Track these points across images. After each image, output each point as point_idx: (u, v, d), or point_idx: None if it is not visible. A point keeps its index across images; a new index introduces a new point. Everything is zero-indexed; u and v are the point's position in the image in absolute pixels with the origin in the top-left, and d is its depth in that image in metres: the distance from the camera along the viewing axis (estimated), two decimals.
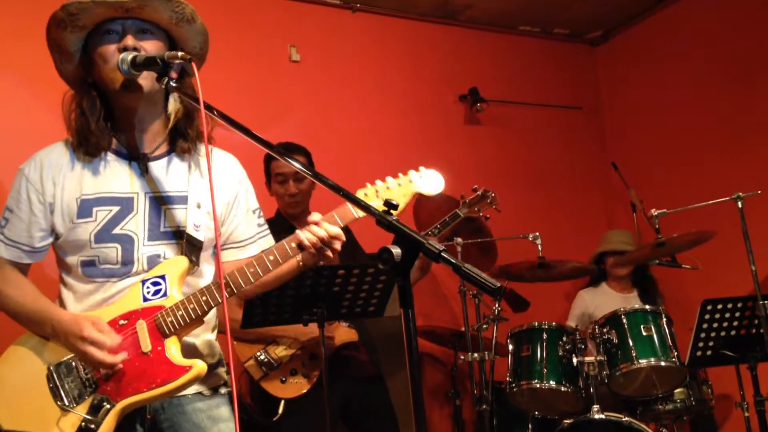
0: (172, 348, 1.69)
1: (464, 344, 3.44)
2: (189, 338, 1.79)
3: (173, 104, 1.77)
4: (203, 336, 1.85)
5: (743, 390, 3.39)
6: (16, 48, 3.49)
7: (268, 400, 2.88)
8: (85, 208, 1.74)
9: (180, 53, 1.59)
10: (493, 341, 3.44)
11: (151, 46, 1.70)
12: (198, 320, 1.72)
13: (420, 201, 3.70)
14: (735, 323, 3.20)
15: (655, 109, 4.97)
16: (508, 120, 4.94)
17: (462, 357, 3.41)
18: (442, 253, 1.26)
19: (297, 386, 2.89)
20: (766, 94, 4.33)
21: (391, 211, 1.35)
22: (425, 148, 4.58)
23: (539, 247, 3.50)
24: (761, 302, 3.00)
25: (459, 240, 3.44)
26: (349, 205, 1.78)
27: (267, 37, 4.24)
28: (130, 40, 1.68)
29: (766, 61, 4.34)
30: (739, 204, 3.13)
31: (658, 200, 3.93)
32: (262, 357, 2.91)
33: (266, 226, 1.96)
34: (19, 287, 1.79)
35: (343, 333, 3.04)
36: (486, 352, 3.35)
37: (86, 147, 1.75)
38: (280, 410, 2.84)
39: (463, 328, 3.47)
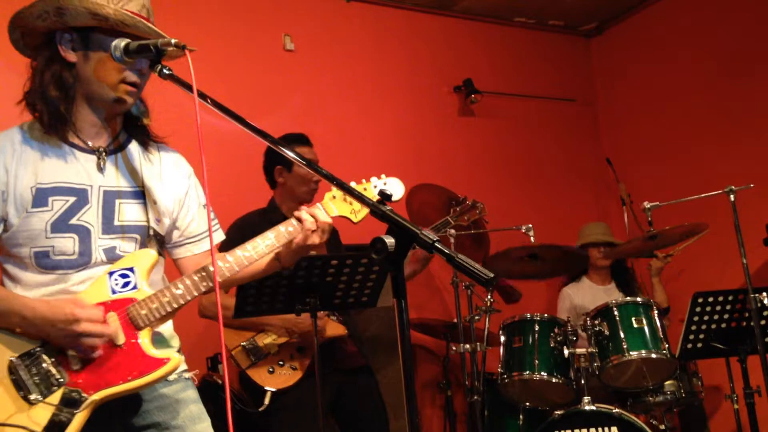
0: (146, 340, 1.68)
1: (456, 335, 3.45)
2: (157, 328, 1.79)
3: (141, 105, 1.80)
4: (166, 324, 1.84)
5: (733, 382, 3.42)
6: None
7: (254, 390, 2.88)
8: (41, 197, 1.68)
9: (174, 40, 1.58)
10: (485, 332, 3.44)
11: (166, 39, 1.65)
12: (172, 313, 1.72)
13: (413, 192, 3.70)
14: (726, 316, 3.21)
15: (648, 102, 4.98)
16: (503, 111, 4.93)
17: (454, 348, 3.41)
18: (435, 244, 1.26)
19: (285, 377, 2.88)
20: (759, 87, 4.35)
21: (385, 202, 1.35)
22: (419, 139, 4.58)
23: (532, 239, 3.51)
24: (752, 295, 3.02)
25: (452, 231, 3.44)
26: (319, 205, 1.86)
27: (261, 26, 4.21)
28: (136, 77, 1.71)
29: (760, 54, 4.36)
30: (732, 197, 3.14)
31: (651, 192, 3.94)
32: (250, 345, 2.90)
33: (217, 221, 1.95)
34: None
35: (332, 327, 3.03)
36: (478, 344, 3.35)
37: (55, 128, 1.70)
38: (266, 401, 2.83)
39: (455, 320, 3.47)
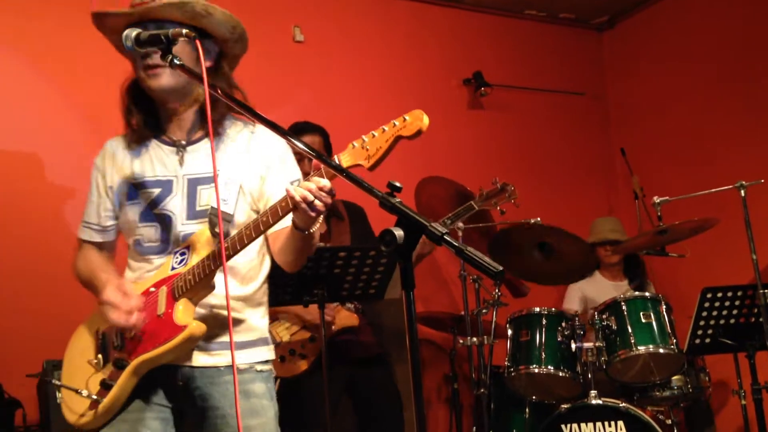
0: (180, 308, 1.79)
1: (463, 328, 3.46)
2: (236, 315, 1.87)
3: (200, 93, 1.89)
4: (245, 313, 1.91)
5: (741, 378, 3.41)
6: (22, 25, 3.48)
7: None
8: (133, 191, 1.91)
9: (184, 30, 1.59)
10: (493, 326, 3.44)
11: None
12: (203, 283, 1.78)
13: (422, 184, 3.69)
14: (734, 312, 3.20)
15: (659, 96, 4.95)
16: (512, 105, 4.91)
17: (461, 341, 3.42)
18: (444, 236, 1.26)
19: (294, 366, 2.90)
20: None
21: (394, 193, 1.35)
22: (428, 131, 4.53)
23: None
24: (761, 291, 3.00)
25: (460, 224, 3.43)
26: (336, 156, 1.73)
27: (271, 17, 4.21)
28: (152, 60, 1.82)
29: None
30: (742, 192, 3.12)
31: (661, 187, 3.92)
32: None
33: None
34: (86, 260, 1.98)
35: (344, 317, 3.04)
36: (485, 337, 3.36)
37: (134, 137, 1.94)
38: (276, 388, 2.85)
39: (462, 313, 3.48)
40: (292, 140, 1.53)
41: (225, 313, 1.83)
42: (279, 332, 2.93)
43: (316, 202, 1.66)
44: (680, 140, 4.80)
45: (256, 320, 1.95)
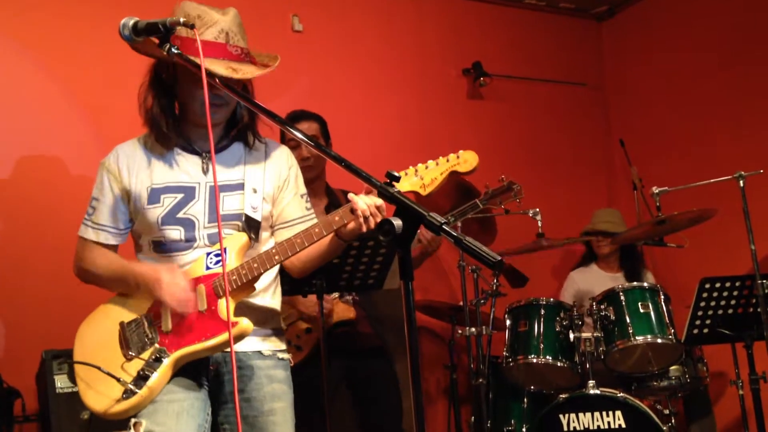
0: (224, 307, 1.87)
1: (462, 318, 3.46)
2: (254, 301, 2.00)
3: (241, 111, 2.02)
4: (263, 302, 2.03)
5: (738, 368, 3.42)
6: (22, 19, 3.47)
7: None
8: (154, 195, 1.97)
9: (182, 19, 1.58)
10: (491, 316, 3.45)
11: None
12: (248, 284, 1.91)
13: None
14: (732, 302, 3.21)
15: (659, 87, 4.94)
16: (512, 95, 4.90)
17: (460, 331, 3.42)
18: (443, 226, 1.26)
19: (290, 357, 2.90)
20: None
21: (393, 183, 1.35)
22: (427, 122, 4.55)
23: (539, 223, 3.50)
24: (760, 282, 3.01)
25: None
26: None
27: (269, 6, 4.18)
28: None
29: None
30: (741, 183, 3.12)
31: (660, 177, 3.91)
32: None
33: (313, 211, 2.14)
34: (105, 256, 2.04)
35: (341, 310, 3.04)
36: (483, 327, 3.36)
37: (161, 141, 2.00)
38: None
39: (461, 303, 3.48)
40: (290, 129, 1.53)
41: (253, 302, 1.99)
42: None
43: (371, 219, 1.85)
44: (679, 131, 4.79)
45: (276, 310, 2.08)
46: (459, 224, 3.36)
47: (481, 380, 3.35)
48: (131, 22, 1.63)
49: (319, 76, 4.26)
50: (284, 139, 3.20)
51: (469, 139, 4.66)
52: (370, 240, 2.59)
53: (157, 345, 1.90)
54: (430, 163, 2.01)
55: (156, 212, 1.96)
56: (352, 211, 1.87)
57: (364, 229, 1.88)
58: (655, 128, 4.94)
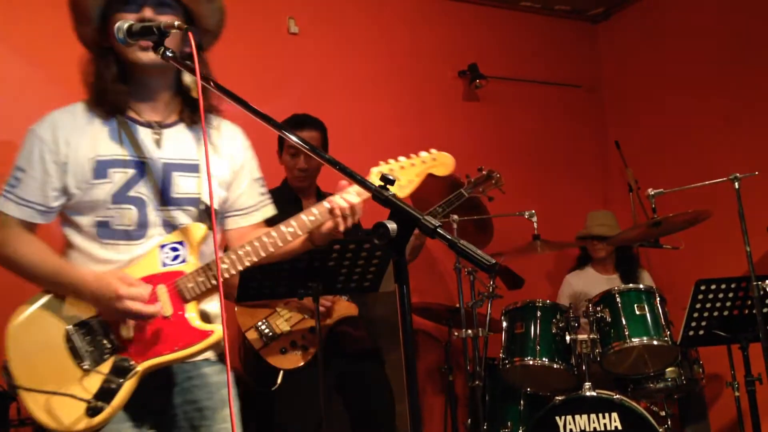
0: (193, 313, 1.74)
1: (458, 320, 3.46)
2: (202, 306, 1.83)
3: (188, 76, 1.81)
4: (209, 306, 1.88)
5: (734, 370, 3.42)
6: (10, 16, 3.46)
7: (266, 370, 2.90)
8: (101, 169, 1.75)
9: (177, 22, 1.58)
10: (487, 318, 3.45)
11: (168, 20, 1.69)
12: (214, 288, 1.77)
13: None
14: (728, 304, 3.21)
15: (655, 88, 4.95)
16: (508, 97, 4.91)
17: (456, 333, 3.42)
18: (438, 229, 1.26)
19: (296, 358, 2.91)
20: (766, 74, 4.31)
21: (388, 186, 1.35)
22: (423, 124, 4.56)
23: (535, 225, 3.51)
24: (755, 283, 3.01)
25: (455, 217, 3.43)
26: (350, 190, 1.84)
27: (265, 9, 4.19)
28: (148, 12, 1.69)
29: (767, 41, 4.32)
30: (736, 185, 3.12)
31: (656, 179, 3.92)
32: (264, 327, 2.92)
33: (268, 195, 2.01)
34: (32, 246, 1.78)
35: (343, 307, 3.04)
36: (480, 329, 3.36)
37: (104, 105, 1.77)
38: (279, 380, 2.86)
39: (457, 305, 3.48)
40: (286, 134, 1.52)
41: (202, 306, 1.82)
42: (278, 324, 2.94)
43: (348, 218, 1.79)
44: (675, 132, 4.80)
45: (218, 312, 1.90)
46: (455, 226, 3.38)
47: (477, 382, 3.35)
48: (125, 26, 1.63)
49: (314, 78, 4.26)
50: (283, 143, 3.20)
51: (465, 141, 4.67)
52: (366, 243, 2.59)
53: (118, 354, 1.70)
54: (405, 162, 1.93)
55: (105, 189, 1.74)
56: (330, 211, 1.80)
57: (341, 228, 1.80)
58: (651, 130, 4.95)
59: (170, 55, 1.60)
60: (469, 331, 3.34)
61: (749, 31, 4.41)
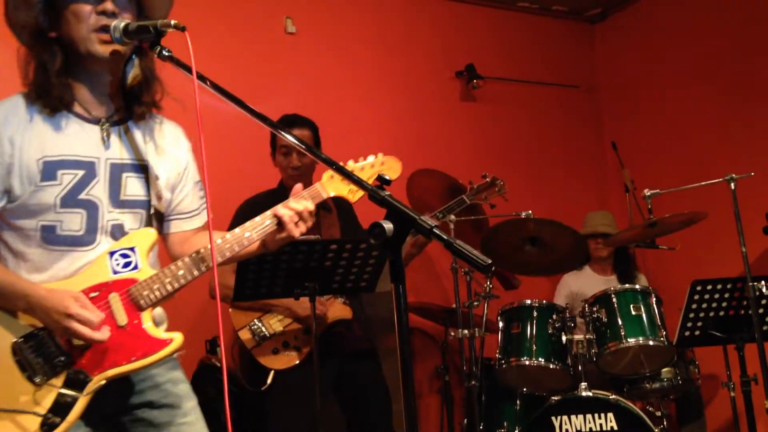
0: (149, 321, 1.68)
1: (455, 321, 3.46)
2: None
3: (134, 70, 1.74)
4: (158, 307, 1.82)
5: (730, 370, 3.43)
6: None
7: (257, 370, 2.89)
8: (49, 171, 1.65)
9: (173, 21, 1.57)
10: (484, 318, 3.45)
11: (128, 15, 1.67)
12: (172, 293, 1.71)
13: (414, 177, 3.69)
14: (724, 304, 3.22)
15: (652, 89, 4.96)
16: (505, 97, 4.91)
17: (452, 333, 3.43)
18: (434, 229, 1.26)
19: (288, 358, 2.90)
20: (762, 76, 4.32)
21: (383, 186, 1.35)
22: (420, 124, 4.56)
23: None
24: (751, 284, 3.02)
25: (452, 217, 3.44)
26: (317, 185, 1.84)
27: (263, 9, 4.18)
28: (109, 5, 1.64)
29: (764, 43, 4.33)
30: (732, 186, 3.13)
31: (652, 180, 3.93)
32: (256, 327, 2.92)
33: (205, 200, 1.93)
34: None
35: (337, 309, 3.04)
36: (476, 329, 3.36)
37: (46, 100, 1.66)
38: (269, 380, 2.86)
39: (454, 305, 3.48)
40: (282, 133, 1.52)
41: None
42: (271, 324, 2.93)
43: (301, 223, 1.75)
44: (671, 133, 4.81)
45: (160, 311, 1.85)
46: (452, 226, 3.38)
47: (473, 382, 3.35)
48: (122, 25, 1.62)
49: (312, 78, 4.26)
50: (275, 144, 3.20)
51: (462, 141, 4.67)
52: (362, 243, 2.59)
53: (72, 367, 1.61)
54: (355, 166, 1.92)
55: (53, 191, 1.64)
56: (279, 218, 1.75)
57: (296, 234, 1.75)
58: (648, 131, 4.96)
59: (167, 54, 1.59)
60: (466, 331, 3.34)
61: (745, 33, 4.42)
